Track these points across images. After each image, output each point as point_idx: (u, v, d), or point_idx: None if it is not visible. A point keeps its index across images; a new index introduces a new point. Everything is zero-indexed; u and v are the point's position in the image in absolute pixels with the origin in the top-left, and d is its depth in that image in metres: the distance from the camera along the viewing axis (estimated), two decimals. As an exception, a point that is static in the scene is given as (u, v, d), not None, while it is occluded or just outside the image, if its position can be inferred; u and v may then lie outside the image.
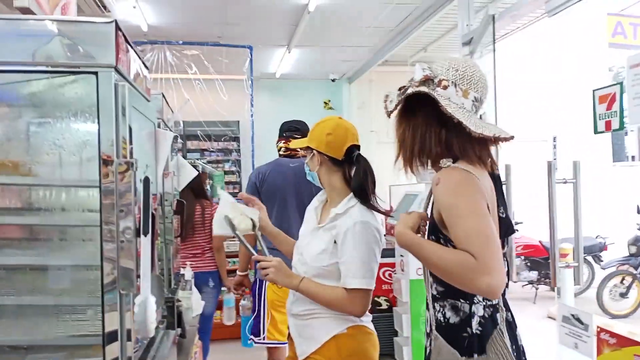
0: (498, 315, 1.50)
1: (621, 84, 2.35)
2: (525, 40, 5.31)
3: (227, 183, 5.97)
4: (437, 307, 1.55)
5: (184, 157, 7.22)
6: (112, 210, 1.27)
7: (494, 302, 1.49)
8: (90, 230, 1.34)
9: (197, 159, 7.12)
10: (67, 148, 1.38)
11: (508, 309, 1.55)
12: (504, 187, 1.80)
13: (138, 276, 1.27)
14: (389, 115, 1.60)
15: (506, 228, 1.53)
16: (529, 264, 7.11)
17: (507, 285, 1.55)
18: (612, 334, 2.16)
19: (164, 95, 2.22)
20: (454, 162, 1.49)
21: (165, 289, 2.25)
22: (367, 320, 2.01)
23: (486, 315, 1.48)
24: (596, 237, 6.98)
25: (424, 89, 1.48)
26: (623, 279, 6.41)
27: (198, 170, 4.41)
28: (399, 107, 1.58)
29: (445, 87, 1.48)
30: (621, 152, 9.47)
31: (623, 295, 6.38)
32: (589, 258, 6.93)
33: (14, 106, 1.44)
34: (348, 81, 8.79)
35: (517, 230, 7.38)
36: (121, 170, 1.28)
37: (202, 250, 4.02)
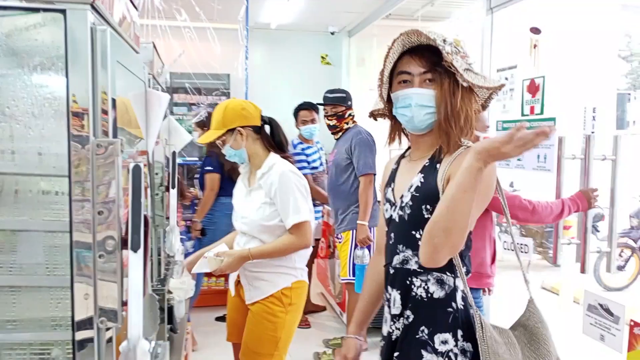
0: (467, 290, 1.46)
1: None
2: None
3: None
4: (418, 283, 1.45)
5: (171, 112, 6.74)
6: (87, 211, 0.88)
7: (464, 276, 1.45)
8: (57, 238, 0.95)
9: (184, 114, 6.63)
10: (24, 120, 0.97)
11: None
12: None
13: (124, 303, 0.89)
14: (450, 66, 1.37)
15: None
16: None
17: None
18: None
19: (154, 45, 1.80)
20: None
21: (154, 279, 1.90)
22: (303, 274, 2.37)
23: (465, 290, 1.45)
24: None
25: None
26: (621, 251, 6.31)
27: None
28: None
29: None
30: (623, 118, 9.24)
31: (620, 268, 6.30)
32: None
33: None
34: (348, 35, 8.22)
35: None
36: (100, 154, 0.89)
37: None
